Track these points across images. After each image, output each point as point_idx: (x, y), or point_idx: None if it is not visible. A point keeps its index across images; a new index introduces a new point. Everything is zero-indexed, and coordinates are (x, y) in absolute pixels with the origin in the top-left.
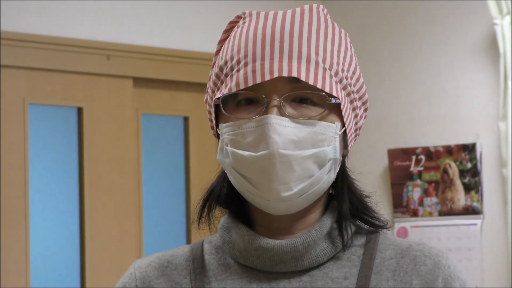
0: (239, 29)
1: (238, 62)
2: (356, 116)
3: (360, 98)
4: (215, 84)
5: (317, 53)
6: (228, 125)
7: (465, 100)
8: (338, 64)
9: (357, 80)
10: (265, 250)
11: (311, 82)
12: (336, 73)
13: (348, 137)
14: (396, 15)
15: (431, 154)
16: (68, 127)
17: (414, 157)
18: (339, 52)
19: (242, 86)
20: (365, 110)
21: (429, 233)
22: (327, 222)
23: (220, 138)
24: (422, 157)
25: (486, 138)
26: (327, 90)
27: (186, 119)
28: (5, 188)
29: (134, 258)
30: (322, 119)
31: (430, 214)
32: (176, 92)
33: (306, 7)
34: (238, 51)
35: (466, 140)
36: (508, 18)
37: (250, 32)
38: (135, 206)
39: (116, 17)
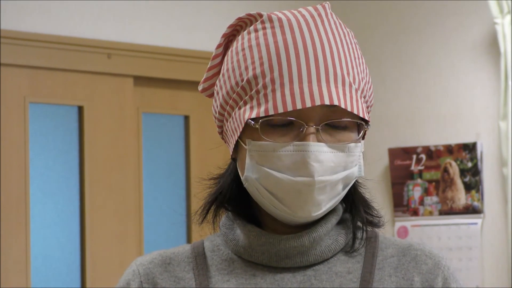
0: (263, 38)
1: (273, 81)
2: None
3: (371, 105)
4: (239, 96)
5: (348, 73)
6: (261, 144)
7: (466, 99)
8: (361, 80)
9: (370, 88)
10: (271, 245)
11: (349, 109)
12: (362, 91)
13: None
14: (396, 15)
15: (431, 153)
16: (69, 126)
17: (414, 156)
18: (358, 64)
19: (280, 110)
20: (369, 112)
21: (430, 232)
22: (332, 219)
23: (248, 154)
24: (423, 156)
25: (487, 137)
26: (360, 114)
27: (186, 118)
28: (6, 187)
29: (134, 257)
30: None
31: (431, 213)
32: (176, 91)
33: (321, 9)
34: (270, 67)
35: (467, 139)
36: (508, 17)
37: (280, 46)
38: (135, 205)
39: (117, 16)
